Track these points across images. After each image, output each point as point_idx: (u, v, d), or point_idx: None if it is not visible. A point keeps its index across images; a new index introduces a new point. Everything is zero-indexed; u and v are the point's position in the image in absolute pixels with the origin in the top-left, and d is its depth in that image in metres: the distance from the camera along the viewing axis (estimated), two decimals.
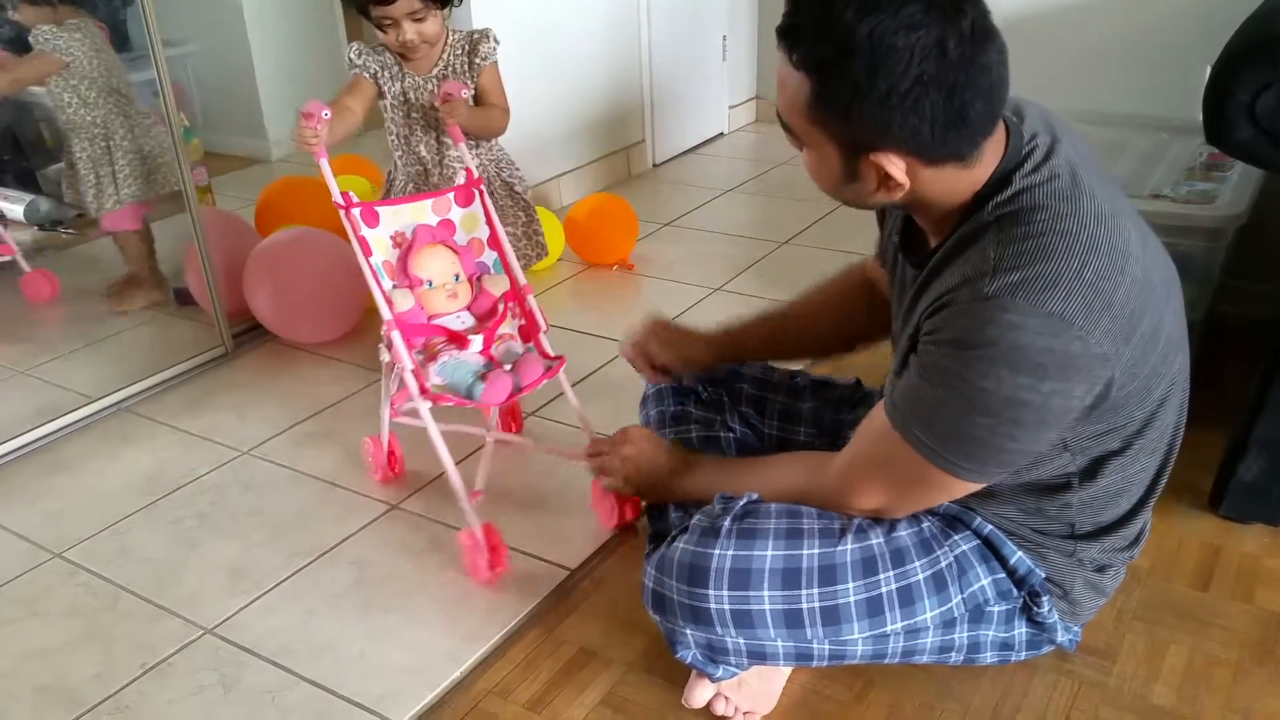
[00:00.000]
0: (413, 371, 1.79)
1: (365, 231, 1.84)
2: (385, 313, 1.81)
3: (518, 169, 2.36)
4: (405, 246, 1.87)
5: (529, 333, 1.94)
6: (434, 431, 1.80)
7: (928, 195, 1.21)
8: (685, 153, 4.27)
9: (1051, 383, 1.12)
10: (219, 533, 1.98)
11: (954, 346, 1.15)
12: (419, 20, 2.05)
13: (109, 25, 2.88)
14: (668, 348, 1.75)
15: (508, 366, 1.83)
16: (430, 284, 1.87)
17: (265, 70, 4.12)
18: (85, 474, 2.21)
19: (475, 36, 2.17)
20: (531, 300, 1.95)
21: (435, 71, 2.15)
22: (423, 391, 1.79)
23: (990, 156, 1.19)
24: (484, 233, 1.97)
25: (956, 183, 1.19)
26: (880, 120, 1.11)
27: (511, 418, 2.23)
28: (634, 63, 3.86)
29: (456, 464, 1.79)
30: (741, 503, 1.37)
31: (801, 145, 1.22)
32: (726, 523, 1.34)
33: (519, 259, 2.30)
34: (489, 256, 1.97)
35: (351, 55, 2.20)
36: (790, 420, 1.75)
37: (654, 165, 4.11)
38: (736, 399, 1.77)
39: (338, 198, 1.83)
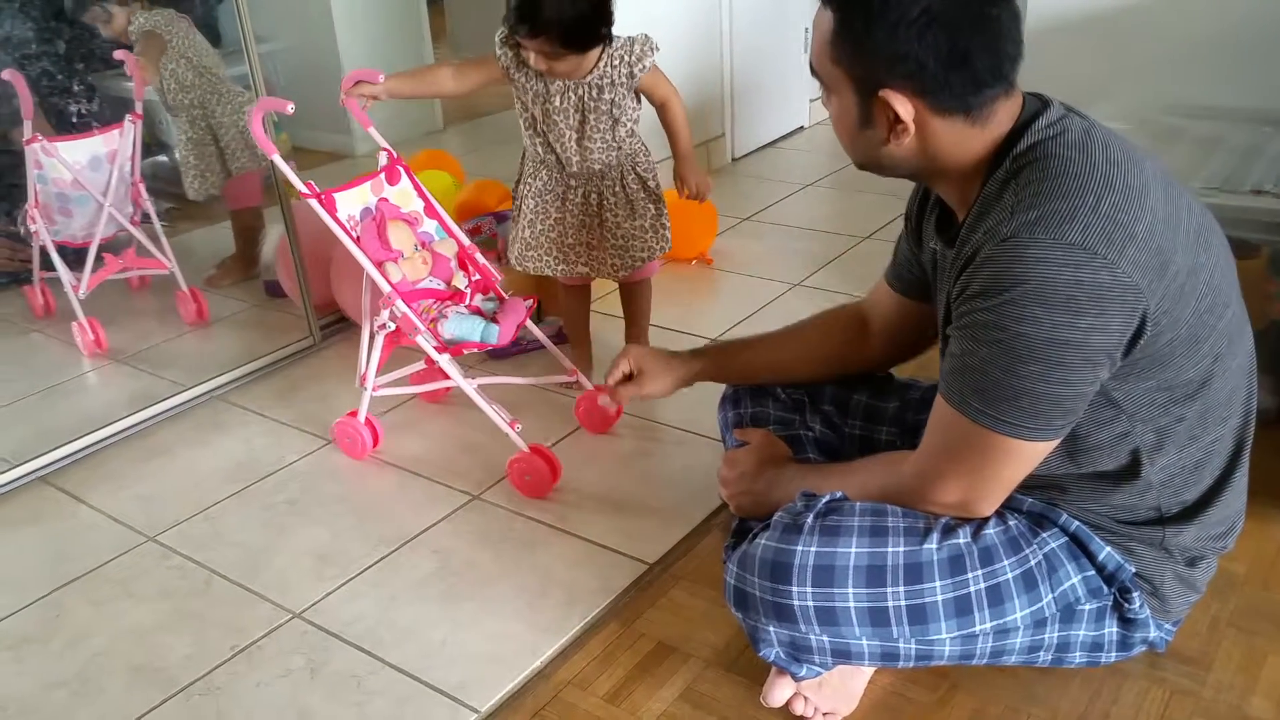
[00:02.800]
0: (427, 331, 1.97)
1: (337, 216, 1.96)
2: (384, 285, 1.96)
3: (654, 161, 2.32)
4: (378, 222, 1.99)
5: (486, 285, 2.13)
6: (465, 384, 2.03)
7: (938, 151, 1.25)
8: (765, 147, 4.25)
9: (1088, 317, 1.14)
10: (307, 519, 2.03)
11: (985, 296, 1.17)
12: (553, 58, 2.03)
13: (203, 23, 2.97)
14: (655, 380, 1.74)
15: (493, 311, 2.06)
16: (403, 255, 2.01)
17: (351, 67, 4.16)
18: (179, 460, 2.27)
19: (638, 49, 2.11)
20: (479, 257, 2.13)
21: (590, 78, 2.09)
22: (441, 348, 1.98)
23: (1004, 118, 1.24)
24: (419, 205, 2.12)
25: (966, 140, 1.24)
26: (889, 49, 1.18)
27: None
28: (715, 56, 3.85)
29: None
30: (824, 500, 1.36)
31: (828, 95, 1.29)
32: (809, 519, 1.33)
33: (642, 252, 2.30)
34: (430, 225, 2.12)
35: (497, 40, 2.14)
36: (873, 419, 1.73)
37: (733, 159, 4.09)
38: (818, 398, 1.76)
39: (301, 187, 1.94)
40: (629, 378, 1.76)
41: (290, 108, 1.89)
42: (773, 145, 4.28)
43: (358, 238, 1.97)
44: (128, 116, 2.80)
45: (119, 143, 2.79)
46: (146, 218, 2.88)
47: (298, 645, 1.70)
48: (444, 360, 2.01)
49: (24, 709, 1.61)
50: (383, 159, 2.11)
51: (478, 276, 2.12)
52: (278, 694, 1.61)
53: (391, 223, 2.01)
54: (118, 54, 2.85)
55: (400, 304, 1.96)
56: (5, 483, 2.18)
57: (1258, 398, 1.37)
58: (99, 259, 2.78)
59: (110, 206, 2.78)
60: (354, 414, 2.19)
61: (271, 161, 1.99)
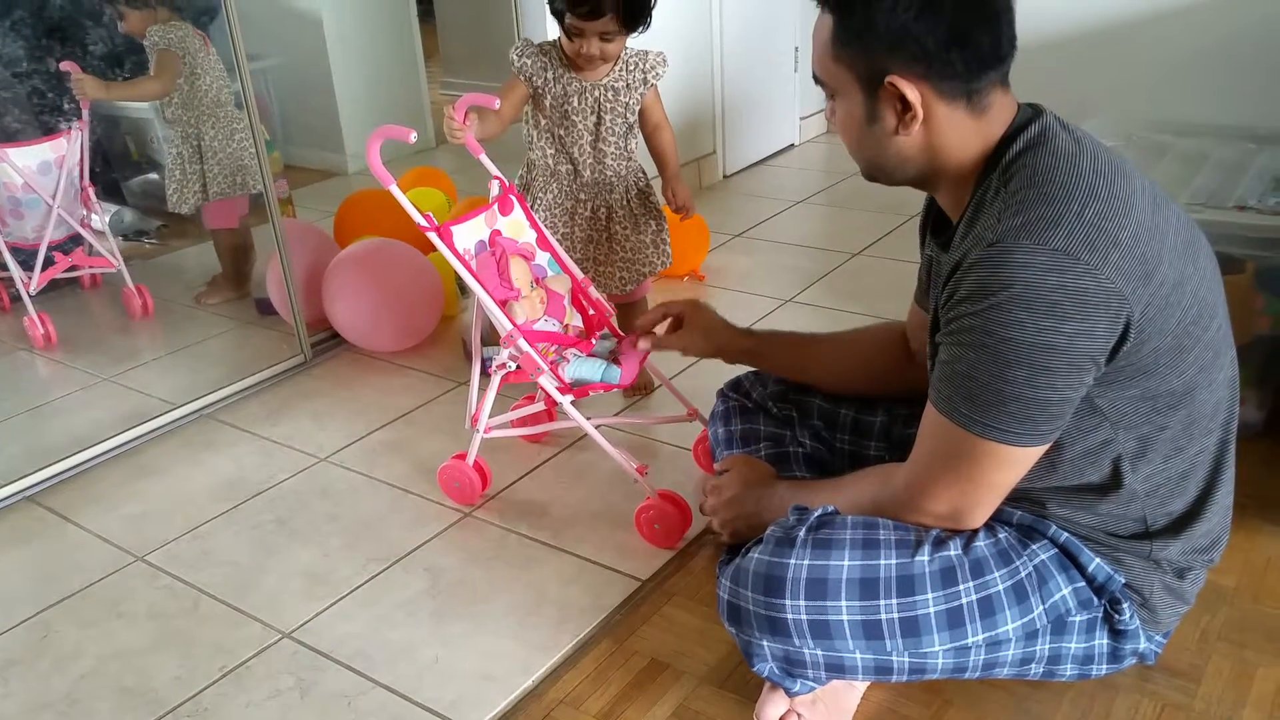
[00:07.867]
0: (550, 371, 1.88)
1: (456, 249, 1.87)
2: (507, 324, 1.87)
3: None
4: (498, 258, 1.91)
5: (601, 322, 2.05)
6: (589, 427, 1.92)
7: (941, 145, 1.27)
8: (756, 164, 4.26)
9: (1072, 322, 1.15)
10: (297, 538, 2.02)
11: (972, 301, 1.19)
12: (607, 40, 2.10)
13: None
14: (700, 336, 1.79)
15: (610, 350, 1.98)
16: (523, 293, 1.93)
17: (344, 85, 4.19)
18: (168, 479, 2.26)
19: (652, 59, 2.23)
20: (593, 291, 2.04)
21: (606, 81, 2.19)
22: (564, 389, 1.90)
23: (1000, 117, 1.27)
24: (531, 236, 2.03)
25: (967, 132, 1.26)
26: (890, 33, 1.21)
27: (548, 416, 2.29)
28: (705, 74, 3.86)
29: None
30: (816, 514, 1.36)
31: (833, 102, 1.34)
32: (801, 533, 1.33)
33: (645, 266, 2.36)
34: (542, 258, 2.03)
35: (513, 55, 2.21)
36: (861, 434, 1.73)
37: (725, 176, 4.11)
38: (807, 414, 1.76)
39: (420, 220, 1.83)
40: (676, 326, 1.78)
41: (413, 136, 1.72)
42: (764, 162, 4.29)
43: (475, 272, 1.88)
44: (74, 124, 2.92)
45: (66, 149, 2.91)
46: (96, 228, 3.02)
47: (287, 665, 1.69)
48: (566, 402, 1.90)
49: None
50: (494, 188, 2.00)
51: (592, 312, 2.04)
52: (267, 715, 1.60)
53: (512, 258, 1.93)
54: (63, 65, 2.92)
55: (523, 342, 1.86)
56: None
57: (1243, 411, 1.38)
58: (49, 258, 2.95)
59: (59, 209, 2.91)
60: (461, 456, 2.04)
61: (389, 192, 1.83)
